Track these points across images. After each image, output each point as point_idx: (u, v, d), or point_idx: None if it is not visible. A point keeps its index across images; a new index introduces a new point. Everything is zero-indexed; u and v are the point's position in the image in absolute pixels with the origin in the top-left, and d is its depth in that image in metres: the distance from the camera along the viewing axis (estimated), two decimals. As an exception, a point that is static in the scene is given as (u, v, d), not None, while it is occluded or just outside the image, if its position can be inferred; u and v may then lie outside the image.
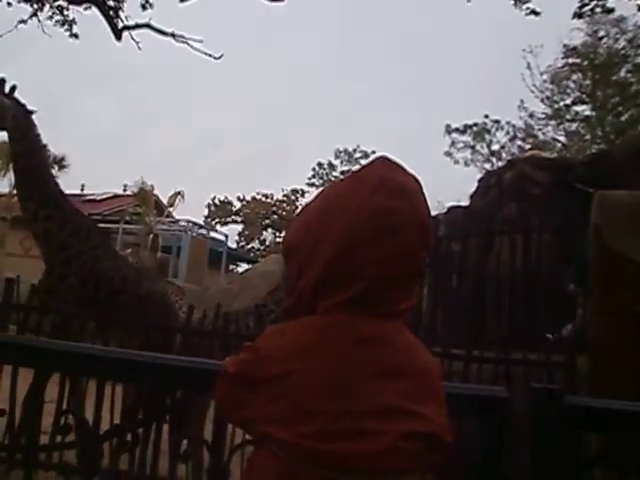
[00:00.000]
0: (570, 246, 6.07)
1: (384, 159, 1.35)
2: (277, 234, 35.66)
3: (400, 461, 1.17)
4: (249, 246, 35.74)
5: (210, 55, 11.81)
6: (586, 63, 23.87)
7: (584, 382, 4.29)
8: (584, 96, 24.34)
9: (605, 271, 4.23)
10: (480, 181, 9.15)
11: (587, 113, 24.73)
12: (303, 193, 36.26)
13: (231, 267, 28.31)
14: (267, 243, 35.69)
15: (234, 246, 31.32)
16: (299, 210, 1.46)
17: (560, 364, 4.66)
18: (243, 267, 27.22)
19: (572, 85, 24.61)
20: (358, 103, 56.36)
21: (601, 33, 23.44)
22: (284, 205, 35.94)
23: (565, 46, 23.94)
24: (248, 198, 35.97)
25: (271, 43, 55.69)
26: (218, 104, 56.99)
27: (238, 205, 36.37)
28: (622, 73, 23.89)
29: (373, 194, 1.27)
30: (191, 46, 11.53)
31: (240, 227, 36.06)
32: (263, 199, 35.66)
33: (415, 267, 1.31)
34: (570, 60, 24.21)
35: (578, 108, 24.78)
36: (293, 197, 36.14)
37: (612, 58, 23.62)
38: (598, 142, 23.23)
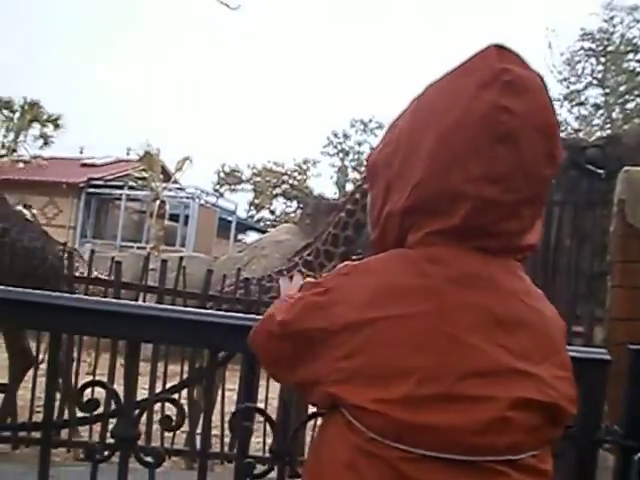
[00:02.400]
0: (587, 223, 6.29)
1: (498, 47, 1.04)
2: (287, 204, 35.55)
3: (510, 436, 0.94)
4: (259, 215, 35.60)
5: (226, 5, 11.12)
6: (600, 49, 23.91)
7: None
8: (595, 81, 24.41)
9: (625, 245, 4.43)
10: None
11: (597, 98, 24.82)
12: (315, 163, 36.11)
13: (240, 237, 28.22)
14: (277, 213, 35.55)
15: (243, 215, 31.20)
16: (390, 122, 1.17)
17: (580, 334, 4.93)
18: (252, 237, 27.00)
19: (586, 70, 24.65)
20: (375, 73, 55.73)
21: (616, 20, 23.47)
22: (295, 174, 35.68)
23: (582, 29, 23.99)
24: (259, 167, 35.67)
25: (289, 5, 54.59)
26: (230, 67, 56.35)
27: (248, 174, 36.15)
28: (632, 62, 23.95)
29: (483, 90, 1.00)
30: None
31: (250, 196, 35.89)
32: (274, 168, 35.38)
33: (537, 188, 1.03)
34: (585, 44, 24.24)
35: (589, 93, 24.86)
36: (305, 167, 35.98)
37: (624, 46, 23.65)
38: (606, 128, 23.31)
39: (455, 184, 0.99)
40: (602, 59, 24.06)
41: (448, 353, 0.94)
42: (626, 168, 4.49)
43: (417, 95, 1.11)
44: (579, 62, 24.34)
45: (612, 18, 23.46)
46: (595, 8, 23.45)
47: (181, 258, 6.44)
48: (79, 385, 1.42)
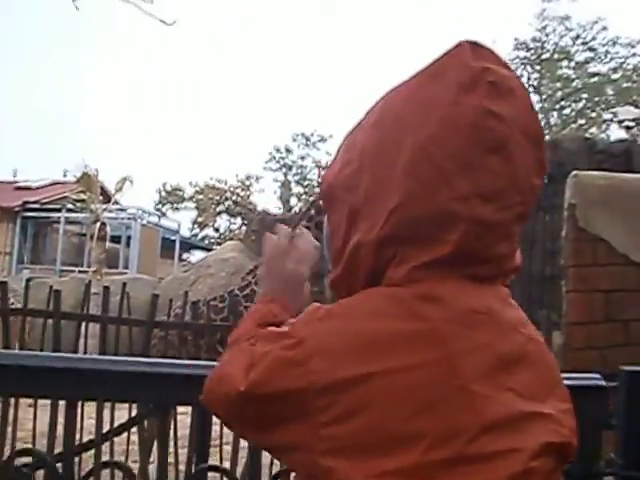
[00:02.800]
0: (536, 228, 6.32)
1: (471, 43, 0.89)
2: (231, 221, 35.35)
3: None
4: (203, 233, 35.24)
5: (162, 21, 10.94)
6: (534, 57, 24.58)
7: (557, 356, 4.50)
8: (531, 89, 25.05)
9: (578, 250, 4.41)
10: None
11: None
12: (258, 178, 35.98)
13: (184, 256, 27.84)
14: (221, 230, 35.33)
15: (187, 234, 30.88)
16: (346, 133, 0.99)
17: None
18: (197, 255, 26.67)
19: (522, 78, 25.34)
20: (315, 87, 55.75)
21: (549, 29, 24.16)
22: (238, 191, 35.54)
23: (516, 39, 24.62)
24: (201, 184, 35.36)
25: (230, 16, 54.11)
26: (168, 83, 55.61)
27: (190, 192, 35.83)
28: (566, 70, 24.69)
29: (465, 94, 0.85)
30: (140, 8, 10.65)
31: (193, 214, 35.51)
32: (217, 184, 35.21)
33: (529, 203, 0.89)
34: (521, 53, 24.90)
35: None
36: (248, 182, 35.86)
37: (557, 54, 24.37)
38: (544, 134, 23.99)
39: (443, 204, 0.84)
40: (537, 67, 24.74)
41: (459, 409, 0.80)
42: (574, 173, 4.46)
43: (375, 104, 0.95)
44: (515, 70, 25.07)
45: (545, 27, 24.18)
46: (528, 18, 24.20)
47: (124, 283, 6.15)
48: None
